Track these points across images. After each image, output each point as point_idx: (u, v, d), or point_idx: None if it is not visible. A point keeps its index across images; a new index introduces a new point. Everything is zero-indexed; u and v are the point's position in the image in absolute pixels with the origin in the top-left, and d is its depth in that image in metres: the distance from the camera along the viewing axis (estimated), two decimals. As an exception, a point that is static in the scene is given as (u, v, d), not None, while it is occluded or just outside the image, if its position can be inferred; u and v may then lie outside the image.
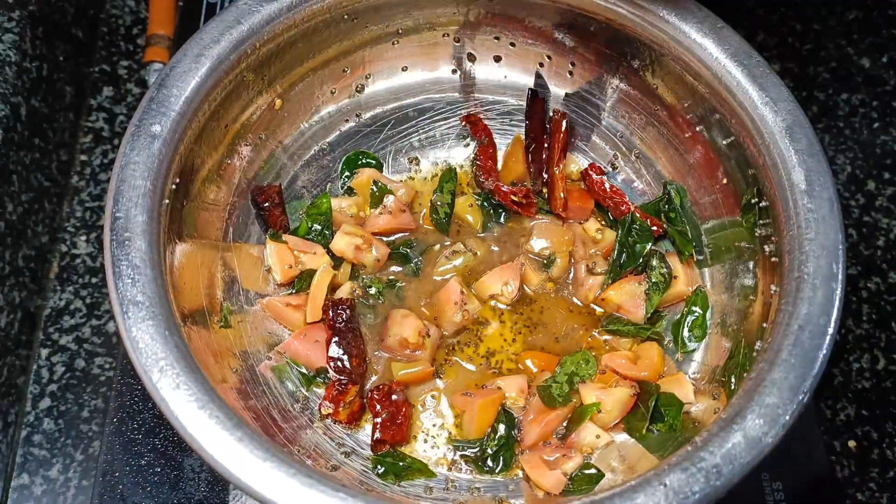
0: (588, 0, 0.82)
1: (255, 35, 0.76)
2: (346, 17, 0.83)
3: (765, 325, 0.71)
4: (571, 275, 0.87)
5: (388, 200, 0.87)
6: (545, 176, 0.89)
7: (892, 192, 1.05)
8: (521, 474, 0.76)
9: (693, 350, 0.82)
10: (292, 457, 0.64)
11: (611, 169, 0.91)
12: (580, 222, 0.88)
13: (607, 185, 0.87)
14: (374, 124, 0.92)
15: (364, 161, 0.91)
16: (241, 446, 0.60)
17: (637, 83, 0.86)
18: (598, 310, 0.85)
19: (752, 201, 0.77)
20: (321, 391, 0.79)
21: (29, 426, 0.87)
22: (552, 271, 0.86)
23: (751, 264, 0.78)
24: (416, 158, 0.93)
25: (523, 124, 0.91)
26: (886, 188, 1.06)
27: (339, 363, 0.78)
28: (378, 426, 0.76)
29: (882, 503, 0.88)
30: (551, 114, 0.91)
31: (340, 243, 0.84)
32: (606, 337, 0.84)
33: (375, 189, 0.88)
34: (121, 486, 0.80)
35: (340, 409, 0.76)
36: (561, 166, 0.89)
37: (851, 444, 0.90)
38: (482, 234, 0.89)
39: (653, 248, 0.84)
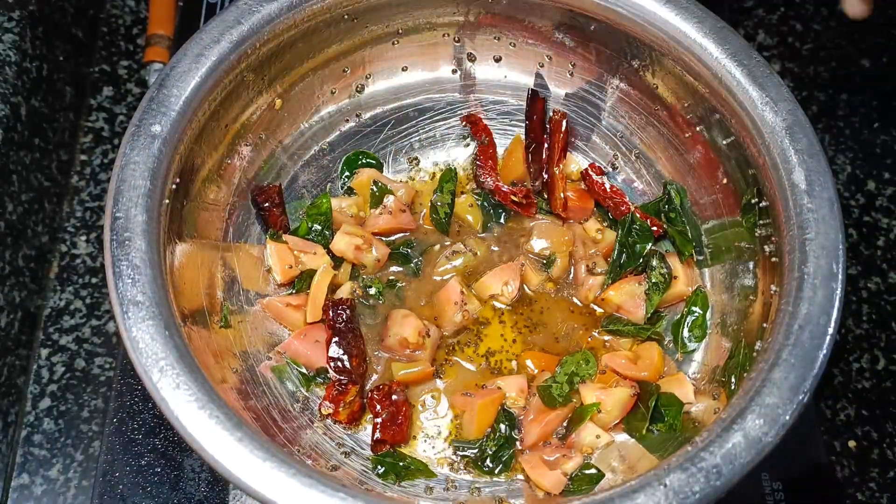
0: (588, 0, 0.82)
1: (255, 35, 0.76)
2: (346, 17, 0.83)
3: (765, 325, 0.71)
4: (571, 275, 0.87)
5: (389, 200, 0.87)
6: (545, 176, 0.89)
7: (892, 192, 1.05)
8: (521, 474, 0.76)
9: (693, 350, 0.82)
10: (292, 457, 0.64)
11: (611, 169, 0.91)
12: (580, 222, 0.88)
13: (607, 185, 0.87)
14: (375, 124, 0.92)
15: (364, 161, 0.91)
16: (241, 446, 0.59)
17: (637, 83, 0.86)
18: (598, 310, 0.85)
19: (753, 201, 0.77)
20: (321, 391, 0.79)
21: (29, 426, 0.87)
22: (552, 271, 0.86)
23: (751, 264, 0.78)
24: (417, 158, 0.93)
25: (523, 124, 0.91)
26: (886, 188, 1.06)
27: (339, 363, 0.78)
28: (378, 426, 0.76)
29: (882, 503, 0.88)
30: (551, 114, 0.91)
31: (340, 243, 0.84)
32: (606, 337, 0.84)
33: (375, 189, 0.88)
34: (121, 486, 0.80)
35: (340, 409, 0.76)
36: (561, 166, 0.89)
37: (851, 444, 0.90)
38: (482, 234, 0.89)
39: (653, 248, 0.84)
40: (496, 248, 0.88)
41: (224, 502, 0.80)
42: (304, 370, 0.79)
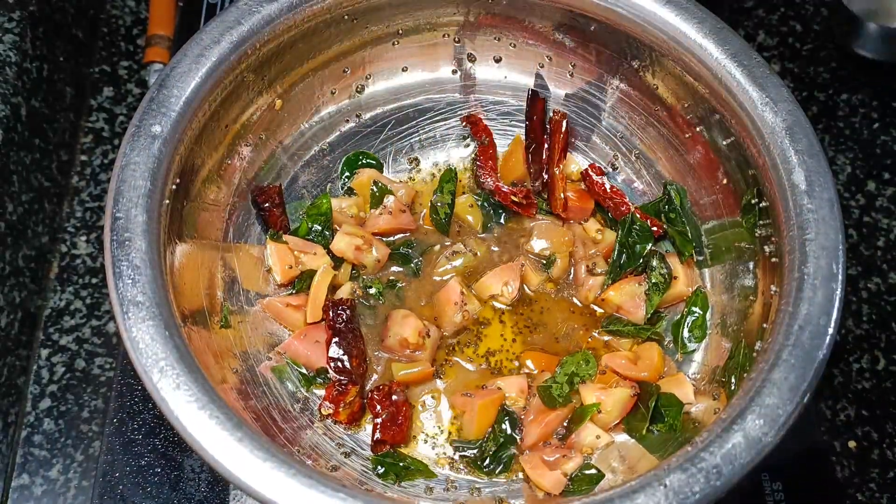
0: (588, 0, 0.82)
1: (255, 35, 0.76)
2: (346, 17, 0.83)
3: (765, 325, 0.71)
4: (571, 275, 0.87)
5: (389, 201, 0.87)
6: (545, 176, 0.89)
7: (892, 193, 1.05)
8: (521, 475, 0.76)
9: (693, 350, 0.82)
10: (292, 457, 0.65)
11: (611, 169, 0.91)
12: (580, 223, 0.88)
13: (607, 186, 0.87)
14: (375, 125, 0.92)
15: (364, 161, 0.91)
16: (241, 447, 0.60)
17: (637, 84, 0.86)
18: (599, 310, 0.85)
19: (753, 202, 0.77)
20: (321, 392, 0.79)
21: (29, 426, 0.87)
22: (552, 272, 0.86)
23: (751, 265, 0.78)
24: (417, 159, 0.93)
25: (523, 125, 0.91)
26: (886, 188, 1.06)
27: (339, 363, 0.78)
28: (378, 426, 0.76)
29: (882, 503, 0.88)
30: (551, 114, 0.91)
31: (340, 244, 0.84)
32: (606, 337, 0.84)
33: (375, 189, 0.88)
34: (121, 487, 0.80)
35: (341, 409, 0.76)
36: (561, 167, 0.89)
37: (851, 444, 0.90)
38: (482, 235, 0.89)
39: (653, 248, 0.84)
40: (496, 249, 0.88)
41: (224, 502, 0.80)
42: (304, 370, 0.79)
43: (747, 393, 0.64)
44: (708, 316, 0.82)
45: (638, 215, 0.85)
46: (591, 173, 0.88)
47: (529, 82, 0.91)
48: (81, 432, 0.87)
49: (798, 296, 0.67)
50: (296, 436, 0.75)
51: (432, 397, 0.81)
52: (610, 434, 0.77)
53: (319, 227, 0.86)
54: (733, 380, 0.74)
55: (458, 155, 0.93)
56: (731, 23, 0.80)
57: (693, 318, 0.82)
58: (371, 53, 0.88)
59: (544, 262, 0.87)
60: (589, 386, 0.78)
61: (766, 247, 0.76)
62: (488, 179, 0.88)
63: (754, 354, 0.71)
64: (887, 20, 1.08)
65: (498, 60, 0.91)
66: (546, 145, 0.90)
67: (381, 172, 0.91)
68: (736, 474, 0.60)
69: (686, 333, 0.82)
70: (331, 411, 0.76)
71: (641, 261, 0.84)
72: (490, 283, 0.84)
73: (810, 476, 0.86)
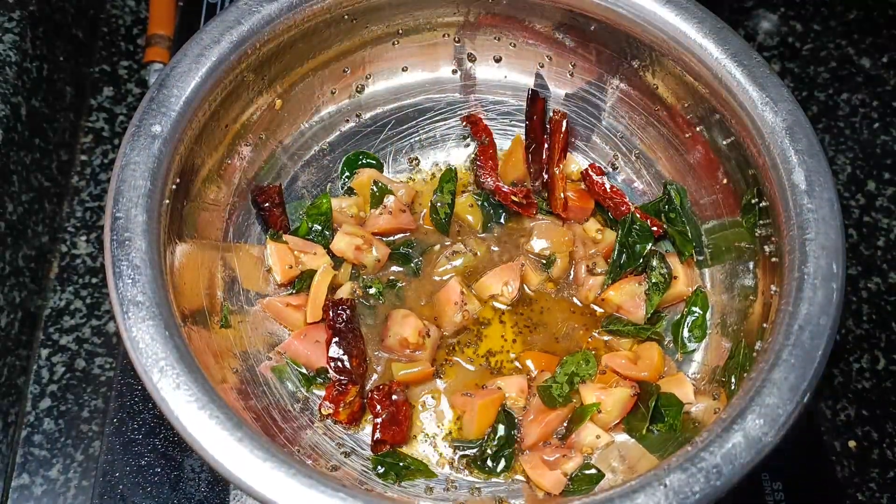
0: (588, 0, 0.82)
1: (255, 35, 0.76)
2: (346, 17, 0.83)
3: (765, 325, 0.71)
4: (571, 275, 0.87)
5: (389, 201, 0.87)
6: (545, 176, 0.89)
7: (892, 192, 1.05)
8: (521, 475, 0.76)
9: (693, 350, 0.82)
10: (292, 457, 0.65)
11: (611, 169, 0.91)
12: (580, 222, 0.88)
13: (607, 186, 0.87)
14: (375, 124, 0.92)
15: (364, 161, 0.91)
16: (241, 446, 0.60)
17: (637, 83, 0.86)
18: (599, 310, 0.85)
19: (753, 201, 0.77)
20: (321, 391, 0.79)
21: (29, 426, 0.87)
22: (552, 271, 0.86)
23: (751, 264, 0.78)
24: (417, 159, 0.93)
25: (523, 124, 0.91)
26: (886, 188, 1.06)
27: (339, 363, 0.78)
28: (378, 426, 0.76)
29: (882, 503, 0.88)
30: (551, 114, 0.91)
31: (341, 243, 0.84)
32: (606, 337, 0.84)
33: (376, 189, 0.88)
34: (121, 487, 0.80)
35: (341, 409, 0.76)
36: (561, 166, 0.89)
37: (851, 444, 0.90)
38: (482, 235, 0.89)
39: (653, 248, 0.84)
40: (496, 249, 0.88)
41: (224, 502, 0.80)
42: (304, 370, 0.79)
43: (747, 393, 0.64)
44: (708, 316, 0.82)
45: (638, 215, 0.85)
46: (591, 173, 0.88)
47: (529, 82, 0.91)
48: (81, 432, 0.87)
49: (798, 296, 0.67)
50: (296, 436, 0.75)
51: (432, 397, 0.81)
52: (610, 434, 0.77)
53: (319, 227, 0.86)
54: (733, 380, 0.74)
55: (459, 155, 0.93)
56: (731, 23, 0.80)
57: (693, 317, 0.82)
58: (371, 53, 0.88)
59: (544, 262, 0.87)
60: (589, 386, 0.78)
61: (766, 246, 0.76)
62: (488, 179, 0.88)
63: (754, 354, 0.71)
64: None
65: (498, 60, 0.91)
66: (546, 145, 0.90)
67: (381, 172, 0.91)
68: (736, 474, 0.60)
69: (686, 333, 0.82)
70: (331, 411, 0.76)
71: (641, 261, 0.84)
72: (490, 283, 0.84)
73: (810, 476, 0.86)
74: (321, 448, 0.75)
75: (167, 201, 0.70)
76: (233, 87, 0.77)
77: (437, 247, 0.88)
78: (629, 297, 0.83)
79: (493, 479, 0.76)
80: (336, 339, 0.78)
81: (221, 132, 0.79)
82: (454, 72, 0.92)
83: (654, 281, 0.83)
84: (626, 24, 0.81)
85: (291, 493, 0.58)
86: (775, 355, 0.65)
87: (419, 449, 0.78)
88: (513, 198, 0.87)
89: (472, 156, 0.93)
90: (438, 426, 0.79)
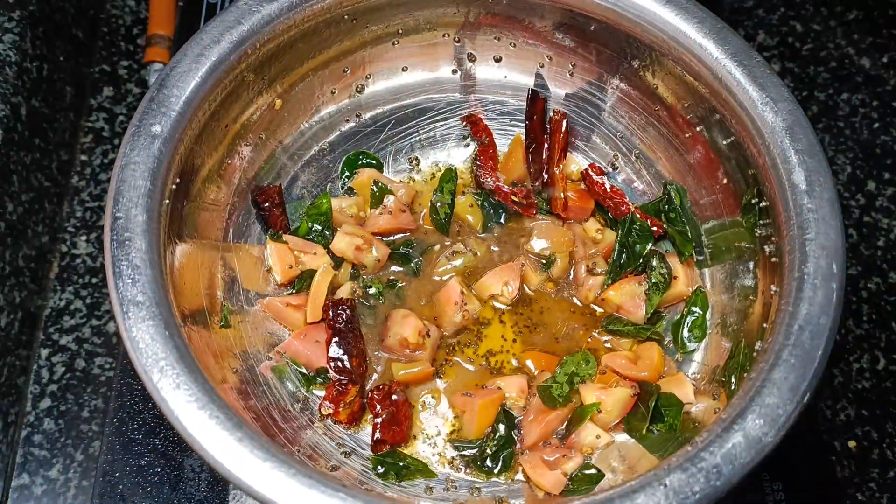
0: (588, 0, 0.82)
1: (255, 35, 0.76)
2: (346, 17, 0.83)
3: (765, 325, 0.71)
4: (571, 275, 0.87)
5: (389, 200, 0.87)
6: (545, 176, 0.89)
7: (892, 192, 1.05)
8: (521, 475, 0.76)
9: (693, 350, 0.82)
10: (292, 457, 0.65)
11: (611, 169, 0.91)
12: (580, 223, 0.88)
13: (607, 186, 0.87)
14: (375, 124, 0.92)
15: (364, 161, 0.91)
16: (241, 446, 0.60)
17: (637, 83, 0.86)
18: (599, 310, 0.85)
19: (753, 201, 0.77)
20: (321, 391, 0.79)
21: (29, 426, 0.87)
22: (552, 271, 0.86)
23: (751, 264, 0.78)
24: (417, 158, 0.93)
25: (523, 124, 0.91)
26: (886, 188, 1.06)
27: (339, 363, 0.78)
28: (378, 426, 0.76)
29: (882, 503, 0.88)
30: (551, 114, 0.91)
31: (341, 243, 0.84)
32: (606, 337, 0.84)
33: (376, 189, 0.88)
34: (121, 487, 0.80)
35: (341, 409, 0.76)
36: (561, 166, 0.89)
37: (851, 444, 0.90)
38: (482, 235, 0.89)
39: (653, 248, 0.84)
40: (496, 249, 0.88)
41: (224, 502, 0.80)
42: (304, 370, 0.79)
43: (747, 393, 0.64)
44: (708, 316, 0.82)
45: (638, 215, 0.85)
46: (591, 173, 0.88)
47: (529, 82, 0.91)
48: (81, 432, 0.87)
49: (798, 296, 0.67)
50: (296, 436, 0.75)
51: (432, 397, 0.81)
52: (610, 434, 0.77)
53: (319, 227, 0.86)
54: (733, 379, 0.74)
55: (459, 155, 0.93)
56: (731, 23, 0.80)
57: (693, 317, 0.82)
58: (371, 53, 0.88)
59: (544, 261, 0.87)
60: (589, 386, 0.78)
61: (766, 246, 0.75)
62: (488, 179, 0.88)
63: (754, 354, 0.71)
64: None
65: (498, 60, 0.91)
66: (546, 145, 0.90)
67: (381, 172, 0.91)
68: (736, 474, 0.60)
69: (686, 333, 0.82)
70: (331, 411, 0.76)
71: (641, 261, 0.84)
72: (490, 283, 0.84)
73: (810, 476, 0.86)
74: (321, 448, 0.75)
75: (167, 201, 0.70)
76: (233, 87, 0.77)
77: (437, 247, 0.88)
78: (629, 297, 0.83)
79: (493, 479, 0.76)
80: (336, 339, 0.78)
81: (221, 132, 0.79)
82: (454, 72, 0.92)
83: (654, 281, 0.83)
84: (626, 24, 0.81)
85: (291, 493, 0.58)
86: (775, 355, 0.65)
87: (419, 449, 0.78)
88: (513, 198, 0.87)
89: (472, 156, 0.93)
90: (438, 426, 0.79)
